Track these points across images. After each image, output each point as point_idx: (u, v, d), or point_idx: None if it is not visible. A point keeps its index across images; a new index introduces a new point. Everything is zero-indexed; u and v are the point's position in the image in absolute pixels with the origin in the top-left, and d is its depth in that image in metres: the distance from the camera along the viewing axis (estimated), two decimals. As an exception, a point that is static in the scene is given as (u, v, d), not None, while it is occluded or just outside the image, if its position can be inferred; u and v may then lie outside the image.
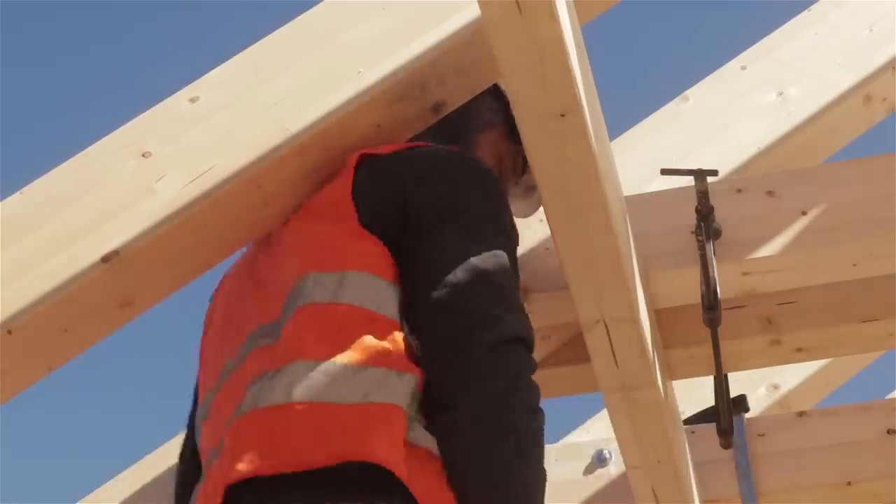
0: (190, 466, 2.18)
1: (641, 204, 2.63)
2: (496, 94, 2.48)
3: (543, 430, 2.04)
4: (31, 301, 2.16)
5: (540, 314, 2.74)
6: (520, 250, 2.74)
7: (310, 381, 1.93)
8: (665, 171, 2.55)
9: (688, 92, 3.19)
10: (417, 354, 1.99)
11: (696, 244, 2.54)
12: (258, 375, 2.00)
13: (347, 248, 2.07)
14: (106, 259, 2.18)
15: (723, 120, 3.02)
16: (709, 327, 2.58)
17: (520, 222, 2.73)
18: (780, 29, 3.23)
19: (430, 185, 2.13)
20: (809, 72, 3.12)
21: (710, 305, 2.51)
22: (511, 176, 2.55)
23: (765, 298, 2.77)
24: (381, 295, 2.03)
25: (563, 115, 2.06)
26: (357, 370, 1.94)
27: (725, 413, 2.71)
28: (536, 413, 2.03)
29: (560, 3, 1.95)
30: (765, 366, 3.01)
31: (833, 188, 2.62)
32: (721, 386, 2.70)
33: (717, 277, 2.50)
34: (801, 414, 3.44)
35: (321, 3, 2.39)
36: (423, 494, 1.89)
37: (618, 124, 2.98)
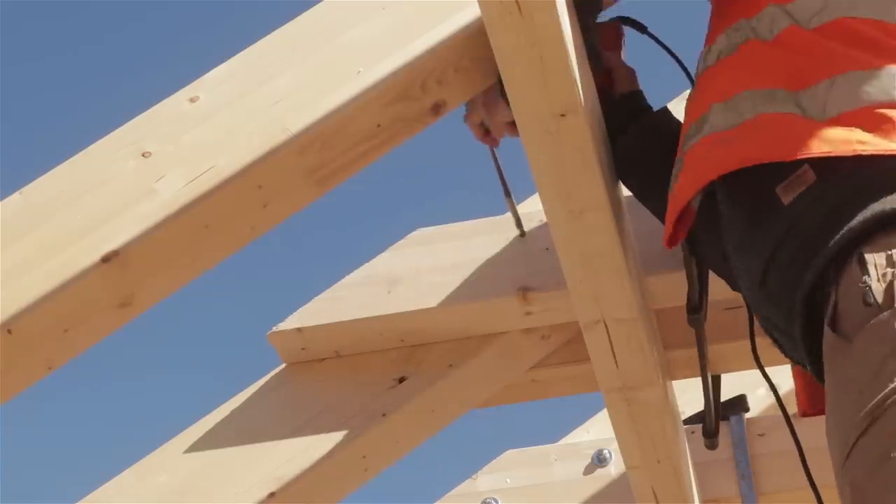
0: None
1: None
2: None
3: None
4: (31, 301, 2.16)
5: (540, 314, 2.74)
6: (520, 250, 2.76)
7: None
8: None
9: (687, 92, 3.18)
10: None
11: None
12: None
13: None
14: (106, 259, 2.18)
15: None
16: (693, 328, 2.58)
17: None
18: (780, 29, 3.22)
19: None
20: (809, 72, 3.12)
21: (694, 308, 2.51)
22: None
23: (765, 298, 2.77)
24: None
25: (563, 115, 2.06)
26: None
27: (712, 415, 2.72)
28: None
29: (560, 3, 1.96)
30: (765, 366, 3.01)
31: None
32: (707, 388, 2.69)
33: (701, 279, 2.51)
34: (801, 414, 3.44)
35: (321, 3, 2.39)
36: None
37: (618, 124, 2.97)
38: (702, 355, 2.60)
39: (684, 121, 2.27)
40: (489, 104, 2.44)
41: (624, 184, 2.46)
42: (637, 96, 2.49)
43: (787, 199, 2.04)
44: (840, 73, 2.05)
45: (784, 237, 2.04)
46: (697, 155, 2.13)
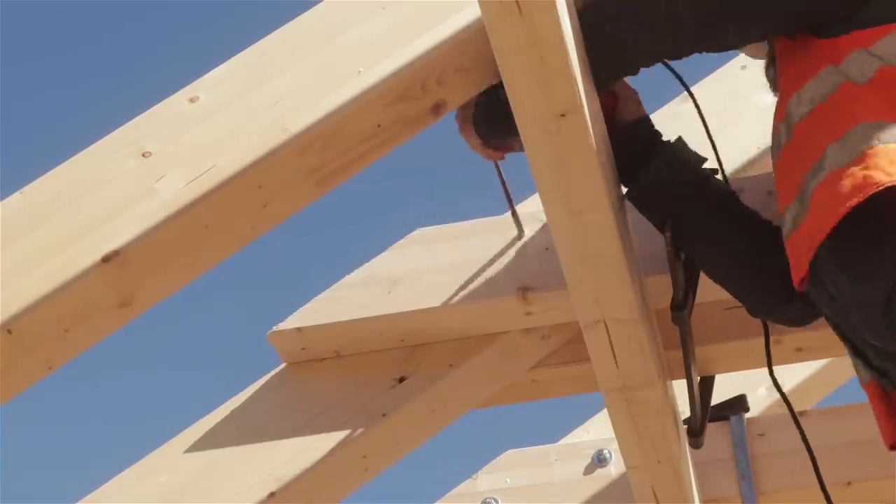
0: None
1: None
2: None
3: None
4: (31, 301, 2.16)
5: (540, 314, 2.74)
6: (520, 250, 2.76)
7: None
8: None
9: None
10: None
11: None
12: None
13: None
14: (106, 259, 2.18)
15: (723, 120, 3.03)
16: (677, 325, 2.58)
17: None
18: (779, 29, 3.22)
19: None
20: (809, 72, 3.12)
21: (678, 305, 2.51)
22: None
23: (765, 298, 2.76)
24: None
25: (563, 115, 2.06)
26: None
27: (697, 414, 2.72)
28: None
29: (560, 3, 1.96)
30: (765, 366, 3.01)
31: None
32: (692, 386, 2.70)
33: (690, 280, 2.51)
34: (801, 414, 3.44)
35: (321, 3, 2.39)
36: None
37: (618, 124, 2.97)
38: (686, 353, 2.60)
39: (785, 172, 2.30)
40: (466, 133, 2.49)
41: (645, 215, 2.49)
42: (645, 123, 2.50)
43: None
44: None
45: None
46: (825, 194, 2.15)
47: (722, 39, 2.35)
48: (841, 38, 2.23)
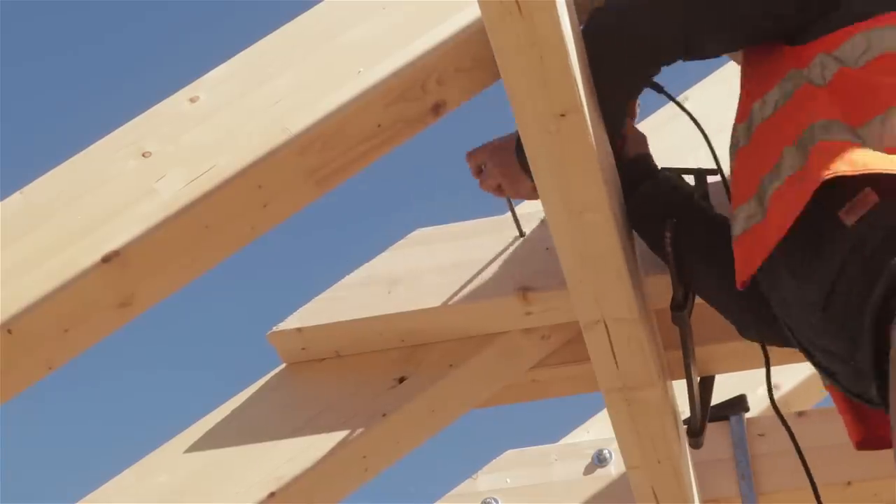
0: None
1: (641, 204, 2.63)
2: None
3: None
4: (31, 301, 2.16)
5: (540, 314, 2.74)
6: (520, 250, 2.76)
7: None
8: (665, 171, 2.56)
9: (688, 92, 3.19)
10: None
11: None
12: None
13: None
14: (106, 259, 2.18)
15: (723, 120, 3.02)
16: (677, 325, 2.58)
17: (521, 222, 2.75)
18: (780, 29, 3.22)
19: None
20: (809, 72, 3.12)
21: (678, 305, 2.52)
22: None
23: (765, 298, 2.76)
24: None
25: (563, 115, 2.06)
26: None
27: (697, 414, 2.72)
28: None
29: (560, 3, 1.96)
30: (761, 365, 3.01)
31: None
32: (692, 386, 2.70)
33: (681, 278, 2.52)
34: (801, 414, 3.44)
35: (321, 3, 2.40)
36: None
37: (618, 124, 2.97)
38: (686, 353, 2.60)
39: (741, 172, 2.33)
40: (509, 176, 2.49)
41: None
42: (646, 158, 2.54)
43: (850, 221, 2.09)
44: (891, 105, 2.10)
45: (847, 260, 2.08)
46: (781, 199, 2.17)
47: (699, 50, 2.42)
48: (808, 44, 2.25)
